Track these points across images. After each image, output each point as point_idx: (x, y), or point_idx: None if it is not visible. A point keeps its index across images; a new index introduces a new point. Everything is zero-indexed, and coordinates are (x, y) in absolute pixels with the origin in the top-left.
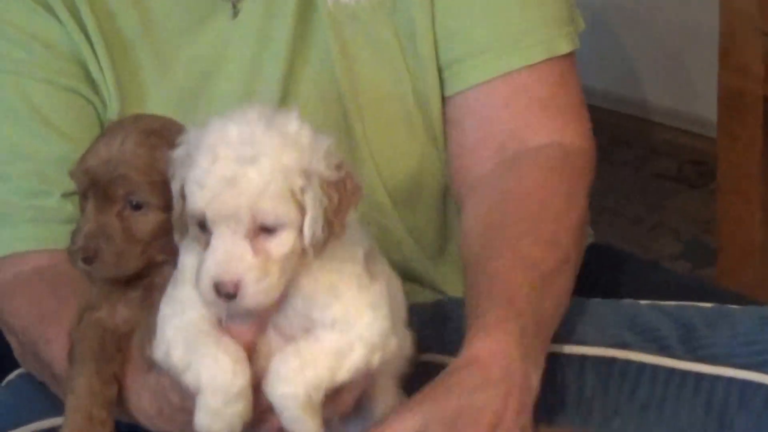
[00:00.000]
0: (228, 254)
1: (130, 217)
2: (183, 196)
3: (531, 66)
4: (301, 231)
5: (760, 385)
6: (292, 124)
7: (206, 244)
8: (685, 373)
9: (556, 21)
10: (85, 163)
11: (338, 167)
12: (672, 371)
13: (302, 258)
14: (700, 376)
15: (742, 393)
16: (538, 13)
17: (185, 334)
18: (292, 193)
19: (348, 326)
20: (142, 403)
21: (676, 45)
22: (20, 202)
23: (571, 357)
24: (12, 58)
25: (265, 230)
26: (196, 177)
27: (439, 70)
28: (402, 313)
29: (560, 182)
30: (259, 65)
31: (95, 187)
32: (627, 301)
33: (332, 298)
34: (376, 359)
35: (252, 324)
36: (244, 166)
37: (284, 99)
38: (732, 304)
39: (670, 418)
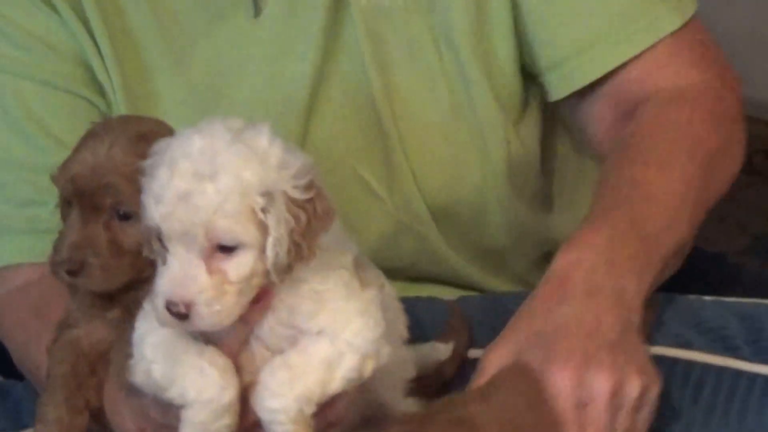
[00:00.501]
0: (181, 273)
1: (118, 228)
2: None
3: (640, 53)
4: (263, 252)
5: None
6: (262, 139)
7: (164, 261)
8: (753, 377)
9: None
10: (70, 170)
11: (307, 187)
12: (739, 374)
13: (265, 280)
14: None
15: None
16: None
17: (165, 349)
18: (253, 212)
19: (336, 334)
20: (125, 424)
21: (744, 23)
22: (13, 212)
23: None
24: (9, 58)
25: (224, 249)
26: (153, 190)
27: (537, 74)
28: (399, 328)
29: (678, 114)
30: (283, 66)
31: (80, 196)
32: (691, 297)
33: (317, 306)
34: (368, 367)
35: (234, 336)
36: (200, 182)
37: (313, 102)
38: None
39: (737, 424)
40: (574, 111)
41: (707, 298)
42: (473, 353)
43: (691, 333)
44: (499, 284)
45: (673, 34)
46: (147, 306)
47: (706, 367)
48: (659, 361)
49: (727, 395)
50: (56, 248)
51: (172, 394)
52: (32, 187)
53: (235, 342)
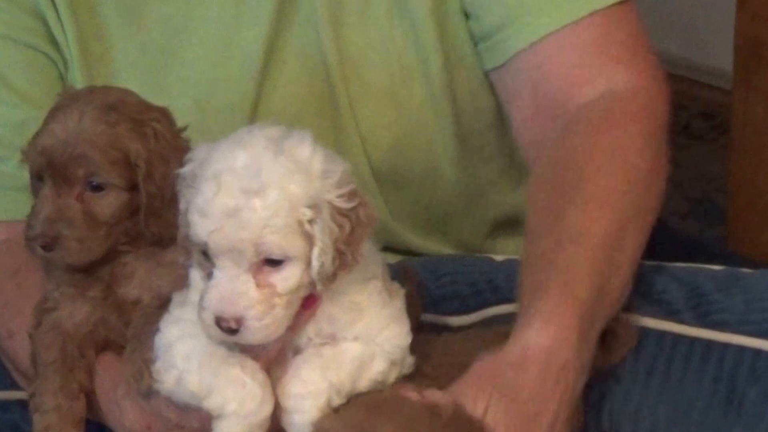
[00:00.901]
0: (230, 289)
1: (91, 200)
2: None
3: (576, 22)
4: (309, 262)
5: None
6: (304, 149)
7: (209, 273)
8: (692, 340)
9: None
10: (41, 143)
11: (351, 196)
12: (679, 337)
13: (310, 289)
14: (709, 344)
15: (754, 363)
16: None
17: (200, 358)
18: (300, 225)
19: (370, 338)
20: (125, 419)
21: None
22: None
23: None
24: None
25: (271, 263)
26: (199, 206)
27: (476, 42)
28: None
29: (609, 139)
30: (237, 28)
31: (52, 169)
32: None
33: (356, 316)
34: (393, 375)
35: (274, 345)
36: (248, 198)
37: (267, 65)
38: (743, 267)
39: (676, 387)
40: (501, 89)
41: (648, 262)
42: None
43: (631, 297)
44: (441, 250)
45: (604, 12)
46: (175, 311)
47: (646, 331)
48: None
49: (667, 359)
50: (30, 223)
51: (210, 404)
52: None
53: (274, 351)
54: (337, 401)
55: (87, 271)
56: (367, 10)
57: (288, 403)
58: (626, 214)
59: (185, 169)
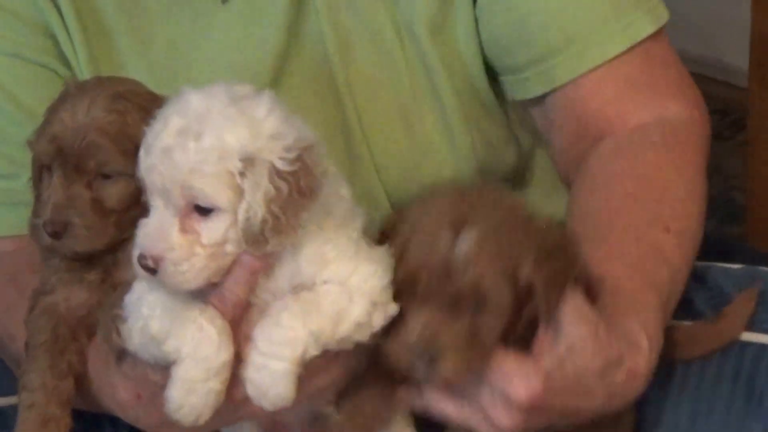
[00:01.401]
0: (155, 228)
1: (101, 188)
2: None
3: (614, 57)
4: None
5: None
6: (260, 108)
7: (147, 214)
8: None
9: (634, 1)
10: (50, 131)
11: (295, 161)
12: None
13: (241, 248)
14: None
15: None
16: None
17: (164, 304)
18: (231, 176)
19: (343, 280)
20: (117, 394)
21: None
22: None
23: None
24: None
25: (201, 211)
26: (145, 143)
27: (502, 73)
28: None
29: (675, 161)
30: (245, 53)
31: (62, 157)
32: None
33: (322, 265)
34: (376, 318)
35: (230, 298)
36: (184, 139)
37: (274, 90)
38: (762, 265)
39: (695, 386)
40: (537, 116)
41: None
42: None
43: None
44: None
45: (641, 46)
46: None
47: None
48: None
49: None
50: (36, 211)
51: (168, 347)
52: (4, 159)
53: (232, 302)
54: (313, 351)
55: (88, 259)
56: (374, 35)
57: (264, 347)
58: (695, 244)
59: (155, 115)
